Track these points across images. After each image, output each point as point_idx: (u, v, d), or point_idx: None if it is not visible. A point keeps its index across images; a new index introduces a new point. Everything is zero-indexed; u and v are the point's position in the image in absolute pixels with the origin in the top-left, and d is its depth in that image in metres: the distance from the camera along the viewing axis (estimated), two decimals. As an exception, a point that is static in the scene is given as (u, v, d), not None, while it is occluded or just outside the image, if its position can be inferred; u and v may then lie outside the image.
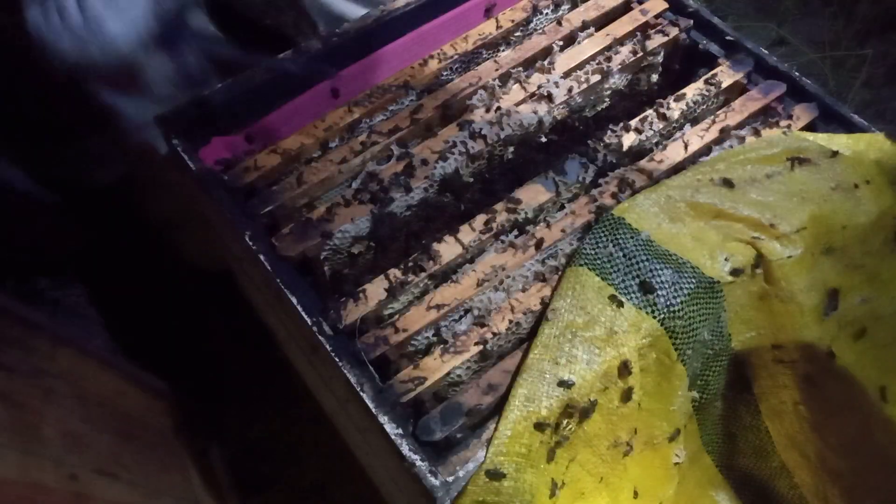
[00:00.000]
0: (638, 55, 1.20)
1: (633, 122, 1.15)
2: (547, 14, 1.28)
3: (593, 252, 0.95)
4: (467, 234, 1.03)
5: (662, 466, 0.97)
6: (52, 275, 1.66)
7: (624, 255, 0.94)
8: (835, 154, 1.05)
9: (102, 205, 1.67)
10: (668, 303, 0.90)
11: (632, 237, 0.95)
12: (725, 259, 0.94)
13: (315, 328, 0.94)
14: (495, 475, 0.83)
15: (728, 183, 1.02)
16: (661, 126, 1.15)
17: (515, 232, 1.05)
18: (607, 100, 1.24)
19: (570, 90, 1.16)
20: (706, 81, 1.19)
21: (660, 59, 1.26)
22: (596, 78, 1.18)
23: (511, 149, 1.15)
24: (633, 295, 0.91)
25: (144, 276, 1.68)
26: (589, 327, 0.89)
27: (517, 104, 1.14)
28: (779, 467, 1.05)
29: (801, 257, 0.95)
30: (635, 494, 0.94)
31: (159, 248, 1.67)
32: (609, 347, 0.88)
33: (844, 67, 1.68)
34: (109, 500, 1.05)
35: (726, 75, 1.20)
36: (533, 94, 1.15)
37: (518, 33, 1.27)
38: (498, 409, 0.87)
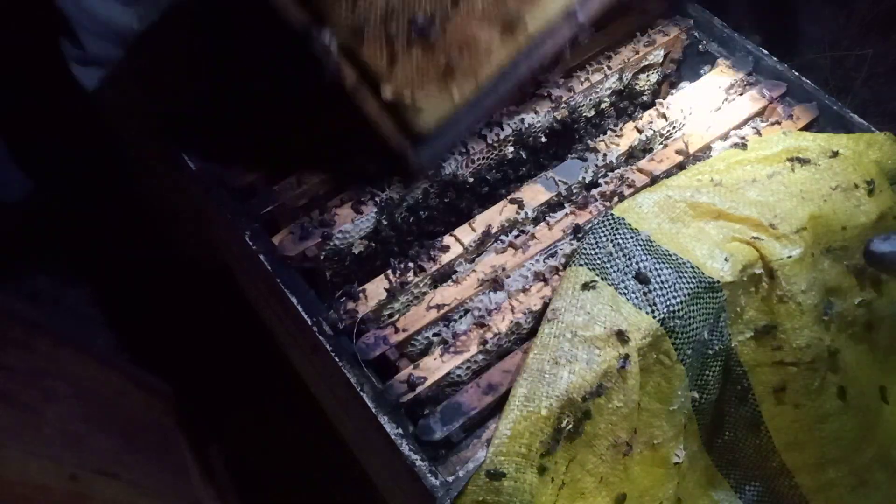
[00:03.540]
0: (638, 55, 1.20)
1: (633, 122, 1.15)
2: (547, 14, 1.28)
3: (593, 252, 0.95)
4: (467, 234, 1.03)
5: (662, 466, 0.97)
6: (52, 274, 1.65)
7: (624, 255, 0.94)
8: (835, 154, 1.05)
9: (101, 198, 1.67)
10: (668, 303, 0.90)
11: (632, 237, 0.95)
12: (725, 259, 0.94)
13: (315, 328, 0.94)
14: (495, 475, 0.83)
15: (728, 183, 1.02)
16: (661, 126, 1.15)
17: (515, 232, 1.05)
18: (607, 99, 1.24)
19: (570, 90, 1.16)
20: (706, 81, 1.19)
21: (660, 58, 1.26)
22: (596, 78, 1.18)
23: (511, 149, 1.15)
24: (632, 294, 0.91)
25: (144, 270, 1.68)
26: (589, 327, 0.89)
27: (517, 104, 1.14)
28: (779, 467, 1.05)
29: (801, 257, 0.95)
30: (624, 497, 0.94)
31: (159, 242, 1.67)
32: (609, 347, 0.88)
33: (844, 67, 1.68)
34: (109, 500, 1.05)
35: (726, 75, 1.20)
36: (533, 94, 1.15)
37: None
38: (498, 409, 0.87)
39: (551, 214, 1.06)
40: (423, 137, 0.91)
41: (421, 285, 1.00)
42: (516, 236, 1.03)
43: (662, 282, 0.92)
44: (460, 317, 0.97)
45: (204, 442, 1.46)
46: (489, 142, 1.10)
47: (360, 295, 0.98)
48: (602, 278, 0.92)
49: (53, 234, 1.73)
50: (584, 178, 1.10)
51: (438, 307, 0.97)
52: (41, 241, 1.71)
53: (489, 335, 0.94)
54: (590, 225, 1.02)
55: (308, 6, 0.78)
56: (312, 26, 0.78)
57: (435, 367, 0.91)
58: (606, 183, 1.08)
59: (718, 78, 1.20)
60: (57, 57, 1.29)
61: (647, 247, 0.95)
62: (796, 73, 1.20)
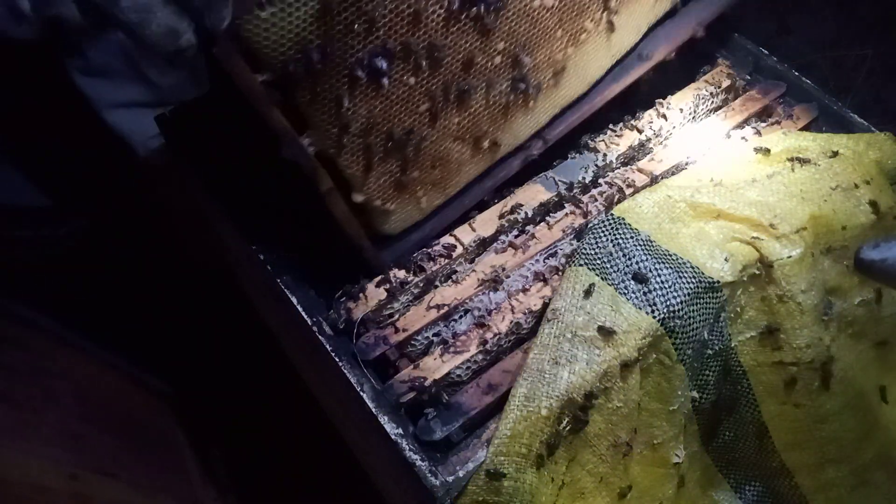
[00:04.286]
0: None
1: (633, 122, 1.15)
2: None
3: (593, 252, 0.95)
4: (467, 234, 1.03)
5: (662, 466, 0.97)
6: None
7: (624, 255, 0.94)
8: (835, 154, 1.05)
9: (101, 199, 1.67)
10: (668, 303, 0.90)
11: (632, 237, 0.95)
12: (725, 259, 0.94)
13: (315, 328, 0.94)
14: (495, 475, 0.83)
15: (728, 183, 1.02)
16: (661, 126, 1.15)
17: (515, 232, 1.05)
18: (607, 100, 1.24)
19: (570, 90, 1.16)
20: (706, 81, 1.19)
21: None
22: (596, 78, 1.18)
23: (511, 149, 1.15)
24: (632, 294, 0.91)
25: (145, 271, 1.68)
26: (589, 327, 0.89)
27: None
28: (779, 467, 1.05)
29: (801, 257, 0.95)
30: (624, 493, 0.94)
31: (160, 242, 1.67)
32: (609, 347, 0.88)
33: (844, 67, 1.68)
34: (109, 500, 1.05)
35: (726, 75, 1.20)
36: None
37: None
38: (498, 409, 0.87)
39: (551, 214, 1.06)
40: (388, 240, 0.94)
41: (421, 285, 1.00)
42: (516, 236, 1.03)
43: (662, 282, 0.92)
44: (460, 317, 0.97)
45: (204, 442, 1.46)
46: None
47: (360, 295, 0.98)
48: (602, 278, 0.92)
49: (53, 235, 1.73)
50: (584, 178, 1.10)
51: (438, 307, 0.96)
52: (41, 241, 1.71)
53: (489, 335, 0.94)
54: (590, 225, 1.02)
55: (290, 113, 0.79)
56: (291, 131, 0.80)
57: (435, 367, 0.91)
58: (606, 183, 1.08)
59: (718, 78, 1.20)
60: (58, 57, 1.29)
61: (647, 247, 0.95)
62: (796, 73, 1.20)
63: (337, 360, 0.91)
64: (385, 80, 0.82)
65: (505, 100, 0.93)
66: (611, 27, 0.99)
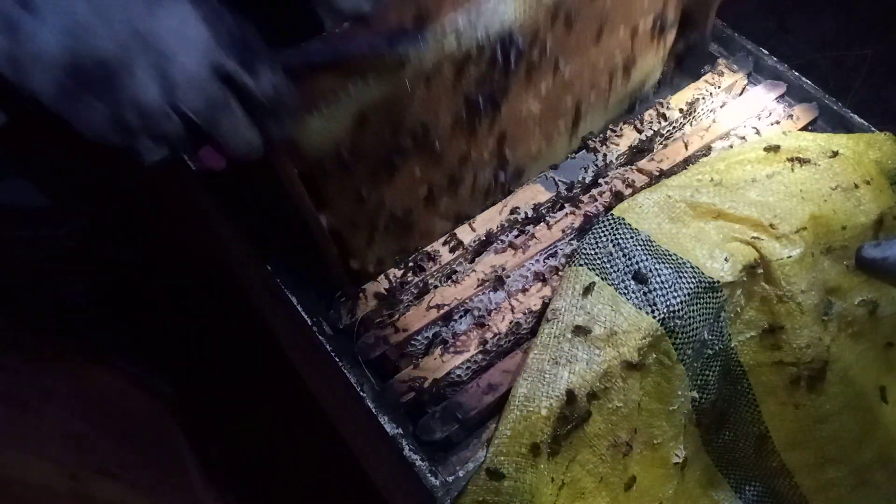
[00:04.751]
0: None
1: (634, 122, 1.15)
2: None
3: (593, 252, 0.95)
4: (467, 233, 1.03)
5: (662, 466, 0.97)
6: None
7: (624, 255, 0.94)
8: (835, 154, 1.05)
9: (101, 198, 1.66)
10: (668, 303, 0.90)
11: (632, 237, 0.95)
12: (725, 259, 0.94)
13: (315, 328, 0.94)
14: (495, 475, 0.83)
15: (728, 183, 1.02)
16: (661, 126, 1.15)
17: (515, 232, 1.05)
18: (607, 100, 1.24)
19: (570, 90, 1.16)
20: (706, 81, 1.19)
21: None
22: (596, 78, 1.18)
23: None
24: (632, 294, 0.91)
25: (145, 270, 1.68)
26: (589, 327, 0.88)
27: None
28: (779, 467, 1.05)
29: (801, 257, 0.95)
30: (628, 486, 0.94)
31: (159, 241, 1.67)
32: (609, 347, 0.88)
33: (844, 67, 1.68)
34: (109, 500, 1.05)
35: (726, 75, 1.20)
36: (533, 94, 1.16)
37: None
38: (498, 409, 0.87)
39: (551, 214, 1.06)
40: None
41: (421, 285, 1.00)
42: (516, 236, 1.03)
43: (662, 282, 0.92)
44: (460, 317, 0.98)
45: (204, 442, 1.46)
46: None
47: (360, 295, 0.98)
48: (602, 278, 0.92)
49: (53, 235, 1.73)
50: (584, 178, 1.10)
51: (438, 307, 0.97)
52: (41, 241, 1.71)
53: (489, 335, 0.94)
54: (590, 225, 1.02)
55: (314, 191, 0.88)
56: (314, 211, 0.90)
57: (435, 367, 0.91)
58: (606, 183, 1.08)
59: (718, 78, 1.20)
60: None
61: (647, 247, 0.95)
62: (796, 73, 1.20)
63: (337, 360, 0.91)
64: (397, 174, 0.94)
65: (486, 185, 1.07)
66: (577, 126, 1.13)
